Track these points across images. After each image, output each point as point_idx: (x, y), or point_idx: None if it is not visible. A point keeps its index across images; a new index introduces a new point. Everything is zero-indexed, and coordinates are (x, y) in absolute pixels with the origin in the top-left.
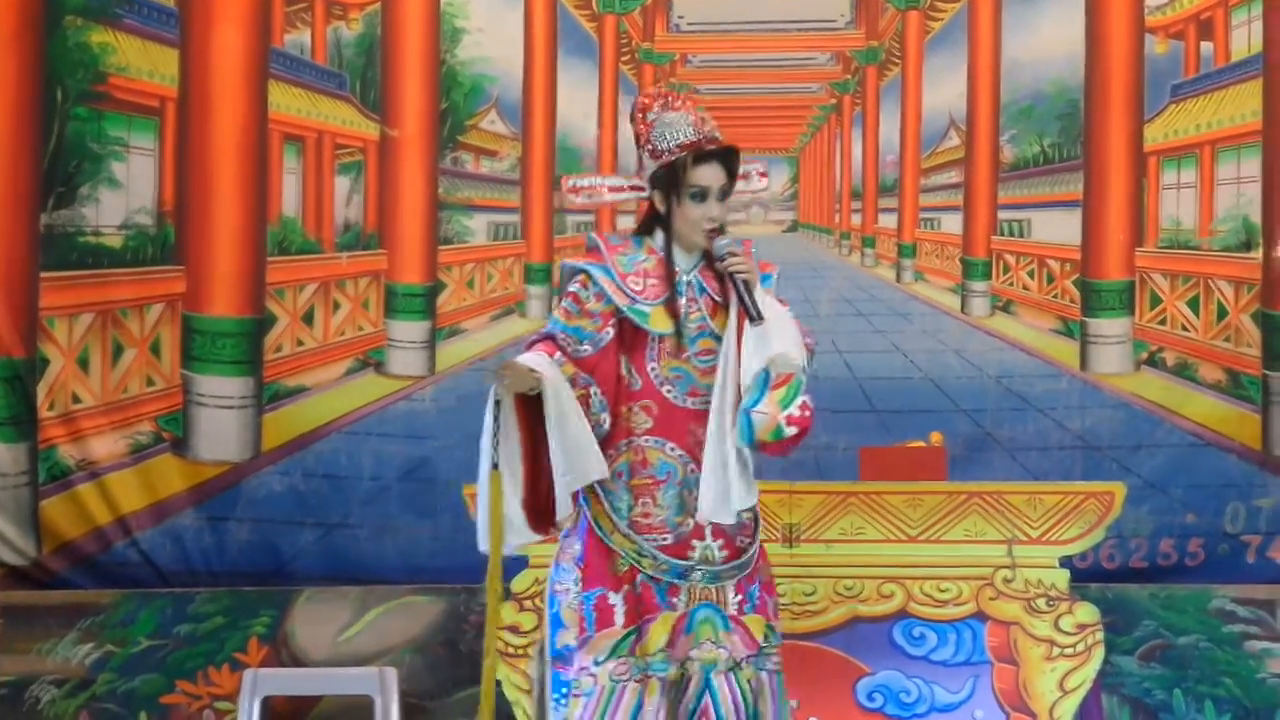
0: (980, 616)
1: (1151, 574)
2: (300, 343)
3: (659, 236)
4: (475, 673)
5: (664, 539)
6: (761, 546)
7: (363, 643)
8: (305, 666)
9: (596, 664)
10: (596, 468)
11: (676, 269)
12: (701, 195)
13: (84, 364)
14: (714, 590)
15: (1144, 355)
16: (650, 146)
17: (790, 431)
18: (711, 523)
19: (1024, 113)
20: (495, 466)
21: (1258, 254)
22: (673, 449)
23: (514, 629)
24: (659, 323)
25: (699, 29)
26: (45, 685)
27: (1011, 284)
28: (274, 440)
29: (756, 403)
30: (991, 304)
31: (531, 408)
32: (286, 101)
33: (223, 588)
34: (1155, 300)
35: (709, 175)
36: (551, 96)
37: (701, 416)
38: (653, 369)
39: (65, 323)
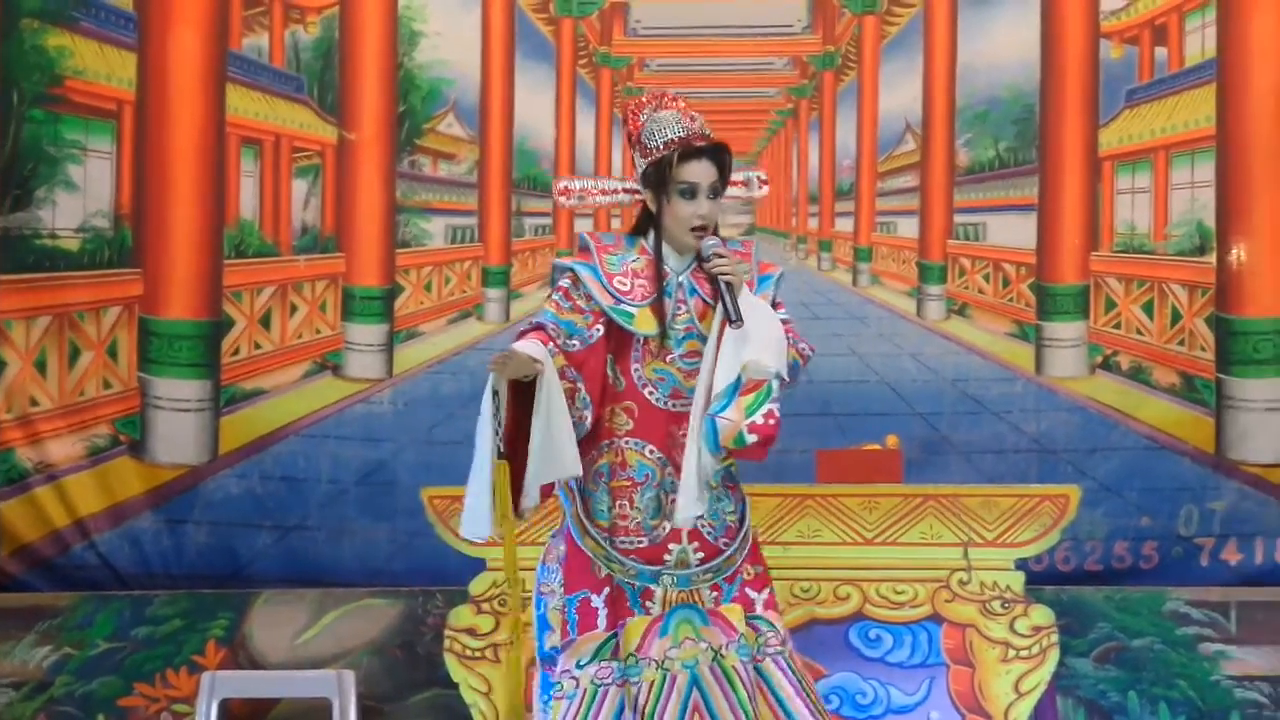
0: (936, 618)
1: (1106, 576)
2: (258, 345)
3: (652, 236)
4: (433, 675)
5: (640, 541)
6: (753, 544)
7: (320, 645)
8: (263, 669)
9: (579, 667)
10: (571, 465)
11: (667, 269)
12: (690, 192)
13: (41, 367)
14: (689, 592)
15: (1099, 359)
16: (641, 145)
17: (751, 439)
18: (690, 525)
19: (979, 117)
20: (501, 456)
21: (1212, 258)
22: (652, 451)
23: (471, 631)
24: (644, 324)
25: (656, 33)
26: (3, 688)
27: (967, 288)
28: (232, 443)
29: (723, 408)
30: (947, 307)
31: (521, 396)
32: (244, 105)
33: (181, 590)
34: (1110, 304)
35: (698, 172)
36: (509, 100)
37: (682, 419)
38: (636, 370)
39: (22, 326)
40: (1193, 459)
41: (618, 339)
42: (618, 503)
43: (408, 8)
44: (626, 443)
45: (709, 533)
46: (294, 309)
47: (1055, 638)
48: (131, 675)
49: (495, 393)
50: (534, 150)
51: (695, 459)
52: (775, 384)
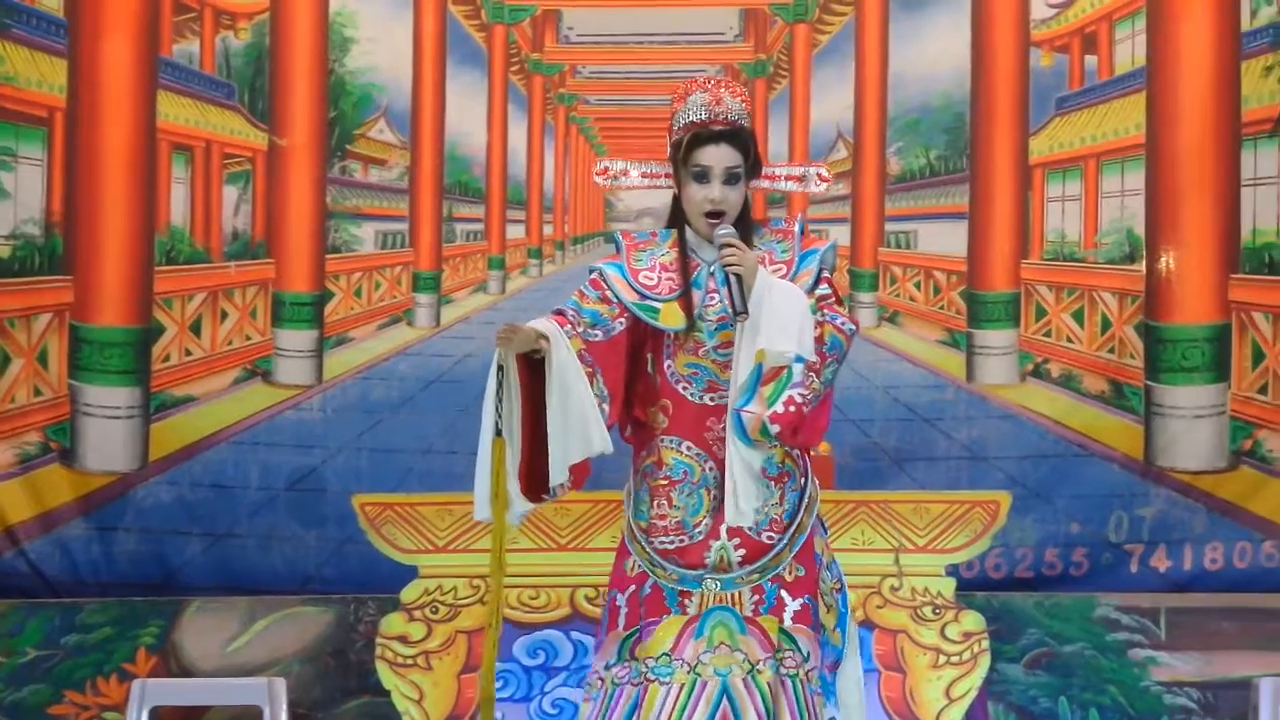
0: (867, 624)
1: (1037, 583)
2: (188, 352)
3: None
4: (364, 683)
5: (681, 540)
6: (807, 544)
7: (251, 653)
8: (194, 677)
9: (606, 668)
10: (599, 441)
11: (697, 260)
12: (703, 176)
13: None
14: (729, 595)
15: (1029, 366)
16: (670, 129)
17: (775, 429)
18: (747, 523)
19: (911, 125)
20: (499, 434)
21: (1141, 266)
22: (689, 448)
23: (403, 639)
24: (670, 318)
25: (588, 40)
26: None
27: (898, 295)
28: (162, 450)
29: (747, 401)
30: (878, 315)
31: (536, 374)
32: (175, 111)
33: (111, 598)
34: (1040, 312)
35: (712, 155)
36: (440, 106)
37: (721, 412)
38: (668, 366)
39: None
40: (1122, 466)
41: (654, 337)
42: (655, 502)
43: (339, 14)
44: (663, 441)
45: (751, 529)
46: (224, 315)
47: (986, 644)
48: (61, 683)
49: (501, 369)
50: (465, 156)
51: (736, 457)
52: (797, 368)
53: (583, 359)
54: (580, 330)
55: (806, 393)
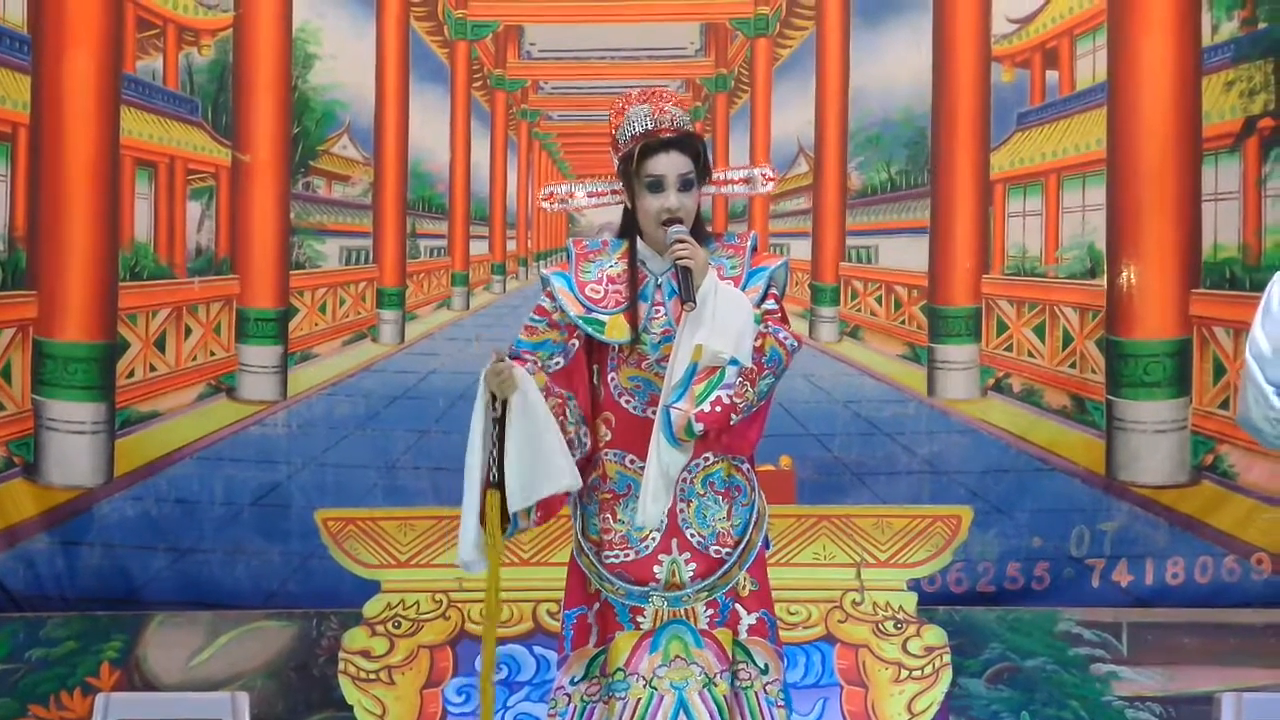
0: (829, 639)
1: (998, 597)
2: (152, 368)
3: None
4: (326, 697)
5: (626, 555)
6: (758, 559)
7: (214, 667)
8: (157, 691)
9: (572, 683)
10: (569, 477)
11: (645, 272)
12: (657, 185)
13: None
14: (680, 610)
15: (991, 381)
16: (615, 143)
17: (699, 429)
18: (678, 535)
19: (872, 140)
20: (492, 484)
21: (1102, 281)
22: (633, 461)
23: (365, 653)
24: (615, 331)
25: (550, 56)
26: None
27: (859, 310)
28: (126, 465)
29: (678, 398)
30: (840, 330)
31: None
32: (138, 127)
33: (75, 612)
34: (1002, 327)
35: (664, 164)
36: (403, 122)
37: None
38: (612, 379)
39: None
40: (1084, 480)
41: (601, 350)
42: (602, 516)
43: (302, 30)
44: (606, 454)
45: (699, 542)
46: (188, 331)
47: (948, 658)
48: (26, 697)
49: (492, 411)
50: (429, 172)
51: (656, 457)
52: (730, 371)
53: (551, 392)
54: (540, 364)
55: (737, 399)
